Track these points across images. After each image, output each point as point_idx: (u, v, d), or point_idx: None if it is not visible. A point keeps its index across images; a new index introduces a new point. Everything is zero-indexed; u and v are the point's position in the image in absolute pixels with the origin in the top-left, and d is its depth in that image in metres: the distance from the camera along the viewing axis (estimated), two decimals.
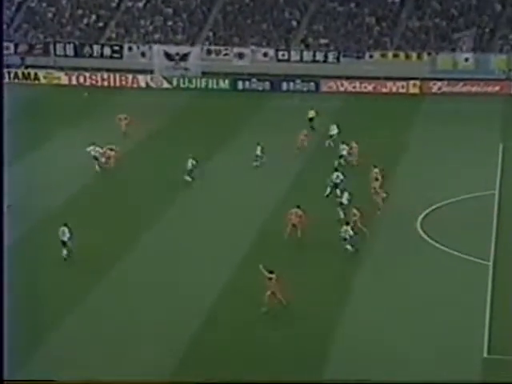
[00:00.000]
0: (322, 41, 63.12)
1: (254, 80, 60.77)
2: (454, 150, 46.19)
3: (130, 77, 61.67)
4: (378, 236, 34.78)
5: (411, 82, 59.21)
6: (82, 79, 61.90)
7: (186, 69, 62.03)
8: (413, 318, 28.18)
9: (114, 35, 65.42)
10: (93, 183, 41.58)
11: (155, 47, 62.88)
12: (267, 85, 60.56)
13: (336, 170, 39.28)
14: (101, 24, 66.03)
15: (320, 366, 25.12)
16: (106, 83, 61.63)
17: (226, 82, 60.79)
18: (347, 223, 32.57)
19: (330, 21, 64.06)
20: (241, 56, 62.26)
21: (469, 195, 39.38)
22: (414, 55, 60.99)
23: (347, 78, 59.71)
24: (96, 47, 63.63)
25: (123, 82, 61.60)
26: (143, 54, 63.08)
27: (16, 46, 63.38)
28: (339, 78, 59.85)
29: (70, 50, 63.74)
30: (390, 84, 59.31)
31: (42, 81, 61.92)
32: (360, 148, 43.59)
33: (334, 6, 64.65)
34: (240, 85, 60.89)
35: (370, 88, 59.41)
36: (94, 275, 31.11)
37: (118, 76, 61.68)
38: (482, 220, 36.22)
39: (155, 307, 28.72)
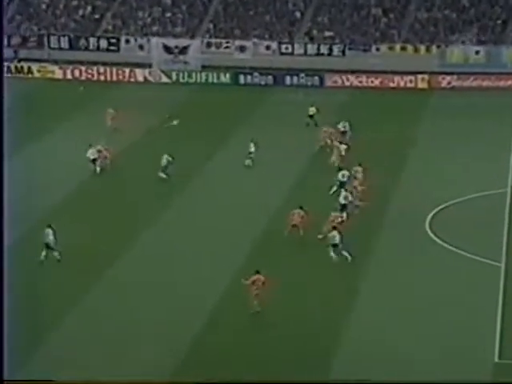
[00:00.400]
0: (327, 33, 63.16)
1: (256, 74, 60.83)
2: (464, 147, 46.25)
3: (128, 71, 61.73)
4: (384, 236, 34.87)
5: (419, 76, 59.25)
6: (77, 73, 61.99)
7: (185, 62, 62.11)
8: (421, 319, 28.28)
9: (110, 27, 65.52)
10: (89, 182, 41.67)
11: (153, 40, 62.96)
12: (270, 79, 60.62)
13: (340, 169, 39.38)
14: (97, 15, 66.14)
15: (325, 367, 25.37)
16: (102, 77, 61.73)
17: (227, 76, 60.84)
18: (334, 227, 32.35)
19: (335, 12, 64.13)
20: (242, 49, 62.31)
21: (479, 194, 39.44)
22: (422, 48, 61.03)
23: (353, 72, 59.76)
24: (92, 40, 63.72)
25: (120, 76, 61.68)
26: (141, 47, 63.16)
27: (9, 38, 63.45)
28: (345, 72, 59.90)
29: (64, 43, 63.83)
30: (397, 78, 59.35)
31: (36, 75, 62.05)
32: (366, 145, 43.68)
33: None
34: (241, 79, 60.94)
35: (376, 82, 59.46)
36: (93, 275, 31.34)
37: (114, 70, 61.75)
38: (493, 220, 36.28)
39: (155, 307, 28.96)
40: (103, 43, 63.54)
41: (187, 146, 46.47)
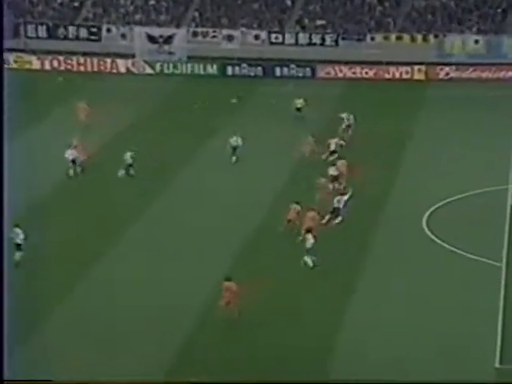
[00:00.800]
0: (319, 22, 63.17)
1: (244, 65, 60.79)
2: (463, 142, 46.36)
3: (109, 61, 61.59)
4: (381, 234, 34.92)
5: (416, 67, 59.34)
6: (55, 63, 61.80)
7: (170, 53, 62.02)
8: (417, 319, 28.42)
9: (90, 15, 65.33)
10: (68, 181, 41.52)
11: (136, 29, 62.83)
12: (259, 70, 60.58)
13: (334, 164, 39.45)
14: (76, 3, 65.91)
15: (321, 367, 25.62)
16: (82, 68, 61.57)
17: (214, 67, 60.77)
18: (308, 230, 32.23)
19: (327, 0, 64.14)
20: (230, 39, 62.27)
21: (479, 190, 39.54)
22: (419, 38, 61.12)
23: (346, 62, 59.80)
24: (71, 28, 63.53)
25: (101, 67, 61.54)
26: (123, 37, 63.01)
27: None
28: (338, 62, 59.92)
29: (42, 32, 63.64)
30: (393, 69, 59.43)
31: (13, 65, 61.80)
32: (360, 139, 43.68)
33: None
34: (229, 70, 60.89)
35: (371, 74, 59.52)
36: (80, 272, 31.62)
37: (95, 60, 61.60)
38: (493, 218, 36.37)
39: (143, 306, 29.26)
40: (83, 32, 63.35)
41: (173, 139, 46.43)
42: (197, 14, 64.55)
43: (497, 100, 54.08)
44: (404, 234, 35.06)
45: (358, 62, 59.61)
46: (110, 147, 45.33)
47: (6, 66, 63.46)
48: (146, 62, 61.65)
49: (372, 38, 61.28)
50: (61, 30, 63.49)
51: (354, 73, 59.66)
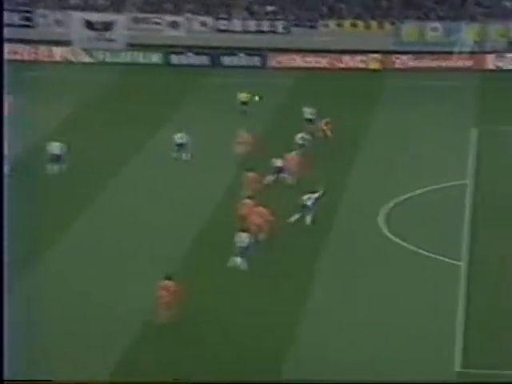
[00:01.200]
0: (269, 8, 63.25)
1: (190, 54, 60.66)
2: (421, 135, 46.73)
3: (44, 49, 61.04)
4: (335, 233, 35.04)
5: (371, 55, 59.69)
6: None
7: (110, 40, 61.63)
8: (376, 322, 28.48)
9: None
10: None
11: (73, 14, 62.32)
12: (206, 59, 60.50)
13: (281, 156, 39.63)
14: None
15: (278, 368, 25.82)
16: (14, 57, 60.85)
17: (158, 55, 60.56)
18: (243, 230, 32.03)
19: None
20: (174, 25, 62.08)
21: (438, 186, 39.90)
22: (374, 25, 61.51)
23: (298, 51, 59.97)
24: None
25: (36, 56, 60.94)
26: (59, 23, 62.47)
27: None
28: (289, 51, 60.07)
29: None
30: (347, 58, 59.72)
31: None
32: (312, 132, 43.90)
33: None
34: (174, 59, 60.72)
35: (324, 63, 59.74)
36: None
37: (28, 48, 60.98)
38: (453, 214, 36.72)
39: (86, 308, 29.30)
40: (15, 18, 62.59)
41: (114, 132, 46.16)
42: None
43: (456, 90, 54.66)
44: (361, 233, 35.22)
45: (310, 50, 59.81)
46: (42, 142, 44.84)
47: None
48: (84, 49, 61.17)
49: (325, 25, 61.55)
50: None
51: (306, 62, 59.83)
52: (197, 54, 60.58)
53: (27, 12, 63.02)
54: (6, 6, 63.16)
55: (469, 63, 59.26)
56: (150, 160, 43.02)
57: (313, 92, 53.77)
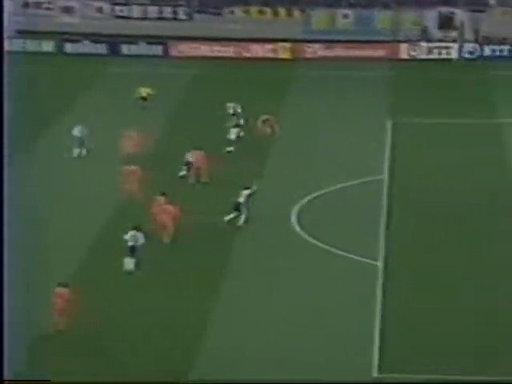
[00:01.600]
0: None
1: (86, 42, 60.03)
2: (334, 127, 47.12)
3: None
4: (246, 233, 35.11)
5: (280, 44, 59.99)
6: None
7: None
8: (289, 324, 28.65)
9: None
10: None
11: None
12: (103, 47, 59.98)
13: (189, 151, 39.69)
14: None
15: (185, 371, 26.09)
16: None
17: (51, 43, 59.79)
18: (136, 228, 31.95)
19: None
20: (68, 10, 61.41)
21: (352, 182, 40.26)
22: (282, 12, 61.83)
23: (203, 39, 59.88)
24: None
25: None
26: None
27: None
28: (193, 39, 59.95)
29: None
30: (255, 47, 59.90)
31: None
32: (219, 125, 43.95)
33: None
34: (68, 47, 60.12)
35: (230, 52, 59.81)
36: None
37: None
38: (368, 211, 37.10)
39: None
40: None
41: (7, 128, 45.23)
42: None
43: (369, 80, 55.31)
44: (271, 232, 35.33)
45: (215, 38, 59.78)
46: None
47: None
48: None
49: (231, 12, 61.60)
50: None
51: (211, 51, 59.78)
52: (93, 41, 59.98)
53: None
54: None
55: (382, 52, 60.02)
56: (43, 158, 42.38)
57: (219, 83, 53.79)
